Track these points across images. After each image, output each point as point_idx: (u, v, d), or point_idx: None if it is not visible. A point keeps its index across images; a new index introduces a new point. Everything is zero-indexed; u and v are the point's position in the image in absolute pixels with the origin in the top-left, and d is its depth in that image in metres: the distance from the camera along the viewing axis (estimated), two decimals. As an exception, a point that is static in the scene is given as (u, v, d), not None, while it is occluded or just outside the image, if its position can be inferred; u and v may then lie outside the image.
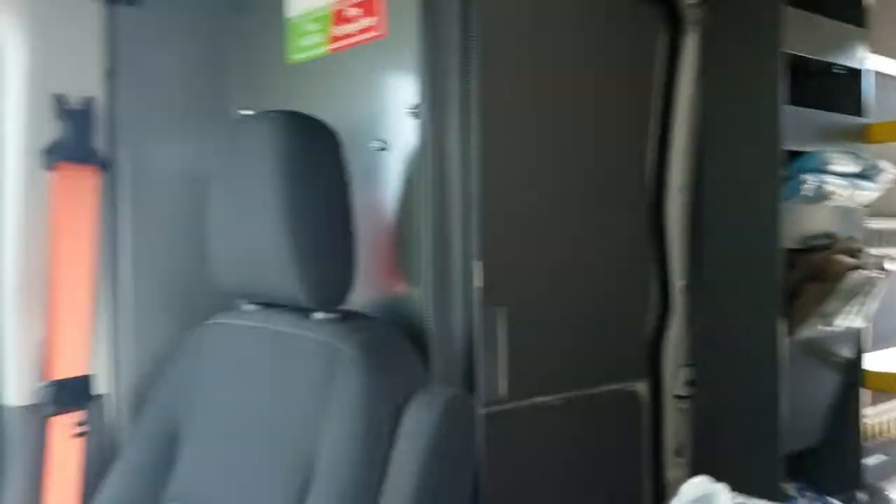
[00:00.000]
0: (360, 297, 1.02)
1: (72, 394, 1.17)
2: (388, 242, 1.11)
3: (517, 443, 1.09)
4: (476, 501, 0.96)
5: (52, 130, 1.17)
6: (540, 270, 1.09)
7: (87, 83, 1.21)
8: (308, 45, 1.18)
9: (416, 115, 1.00)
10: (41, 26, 1.14)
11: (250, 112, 1.19)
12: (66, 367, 1.17)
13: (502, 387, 1.05)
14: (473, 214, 0.98)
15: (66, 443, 1.15)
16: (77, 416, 1.17)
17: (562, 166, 1.11)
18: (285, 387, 0.98)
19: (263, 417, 0.99)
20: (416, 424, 0.87)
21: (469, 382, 1.00)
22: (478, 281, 0.99)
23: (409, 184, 1.04)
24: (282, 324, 1.02)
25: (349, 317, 0.99)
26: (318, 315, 0.97)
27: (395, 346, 0.97)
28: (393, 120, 1.06)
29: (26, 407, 1.16)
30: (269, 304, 1.07)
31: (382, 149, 1.07)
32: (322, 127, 0.98)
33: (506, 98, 1.02)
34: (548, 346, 1.13)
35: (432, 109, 0.98)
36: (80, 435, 1.16)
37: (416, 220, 1.01)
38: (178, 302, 1.27)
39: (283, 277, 0.94)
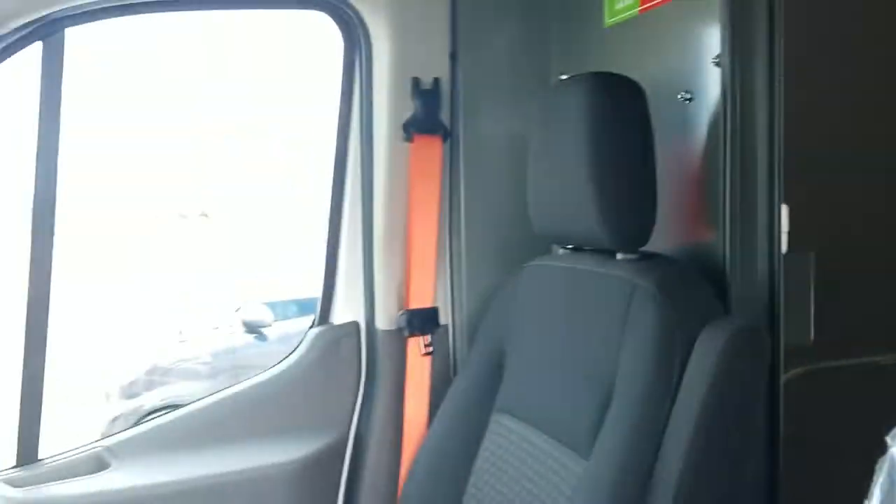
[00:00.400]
0: (662, 240, 1.10)
1: (422, 321, 1.44)
2: (691, 188, 1.16)
3: (828, 407, 1.04)
4: (775, 461, 0.98)
5: (409, 108, 1.43)
6: (856, 217, 1.03)
7: (435, 66, 1.45)
8: (622, 8, 1.28)
9: (719, 65, 1.03)
10: (402, 19, 1.41)
11: (568, 76, 1.32)
12: (419, 300, 1.44)
13: (809, 337, 1.03)
14: (779, 159, 0.98)
15: (418, 360, 1.43)
16: (426, 339, 1.44)
17: (882, 108, 1.04)
18: (590, 318, 1.10)
19: (572, 343, 1.13)
20: (705, 350, 0.93)
21: (771, 327, 1.01)
22: (784, 225, 0.99)
23: (714, 131, 1.07)
24: (588, 264, 1.14)
25: (649, 257, 1.08)
26: (621, 256, 1.08)
27: (691, 284, 1.03)
28: (698, 71, 1.10)
29: (390, 330, 1.46)
30: (578, 248, 1.20)
31: (688, 99, 1.12)
32: (626, 83, 1.08)
33: (813, 43, 0.99)
34: (867, 298, 1.06)
35: (736, 58, 1.01)
36: (428, 354, 1.43)
37: (718, 166, 1.05)
38: (504, 248, 1.46)
39: (591, 222, 1.06)
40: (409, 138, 1.43)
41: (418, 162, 1.44)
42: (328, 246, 1.55)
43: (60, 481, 1.33)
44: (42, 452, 1.38)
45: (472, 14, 1.45)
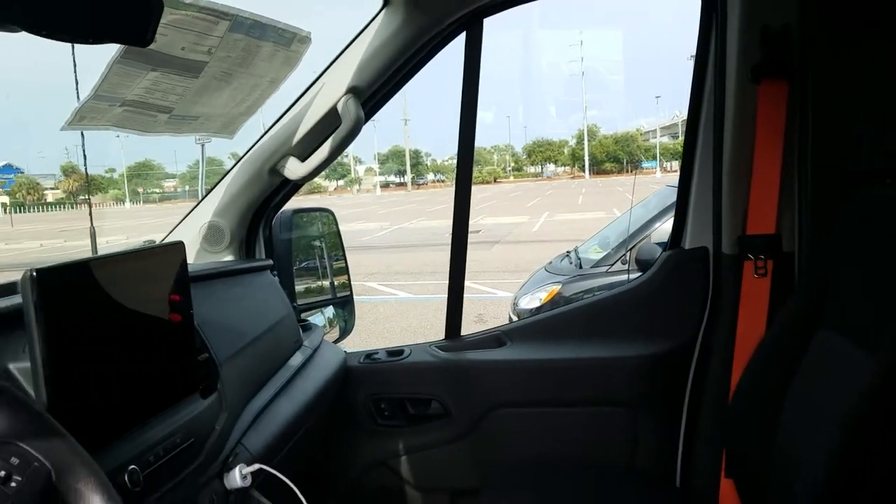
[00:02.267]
0: None
1: (764, 247, 1.57)
2: None
3: None
4: None
5: (758, 53, 1.54)
6: None
7: (784, 12, 1.53)
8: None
9: None
10: None
11: None
12: (761, 227, 1.57)
13: None
14: None
15: (755, 281, 1.57)
16: (767, 263, 1.57)
17: None
18: None
19: (891, 263, 1.19)
20: None
21: None
22: None
23: None
24: None
25: None
26: None
27: None
28: None
29: (734, 255, 1.63)
30: None
31: None
32: None
33: None
34: None
35: None
36: (765, 277, 1.57)
37: None
38: (846, 180, 1.48)
39: None
40: (757, 80, 1.55)
41: (766, 101, 1.55)
42: (681, 179, 1.76)
43: (472, 351, 1.85)
44: (462, 332, 1.93)
45: None
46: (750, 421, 1.48)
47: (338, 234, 2.18)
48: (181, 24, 1.23)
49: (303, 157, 1.69)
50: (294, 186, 1.81)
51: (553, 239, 13.77)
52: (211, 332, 1.23)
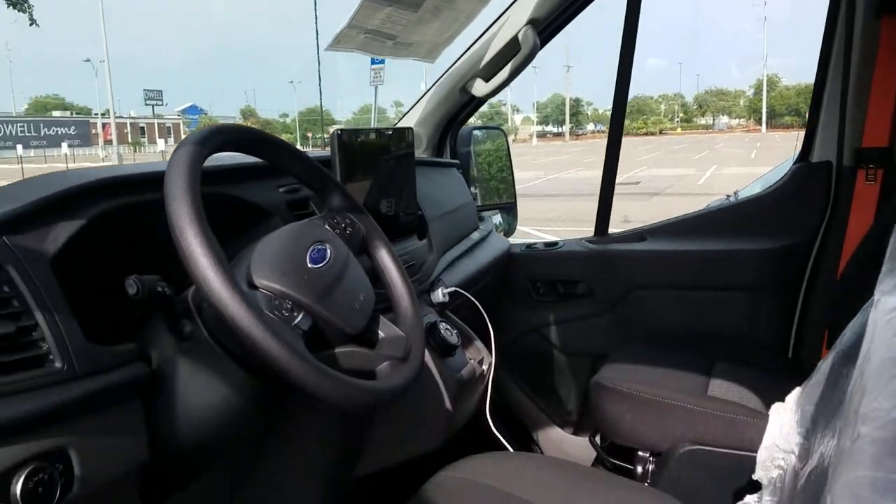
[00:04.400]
0: None
1: (874, 157, 1.82)
2: None
3: None
4: None
5: None
6: None
7: None
8: None
9: None
10: None
11: None
12: (875, 141, 1.82)
13: None
14: None
15: (866, 187, 1.83)
16: (875, 172, 1.82)
17: None
18: None
19: None
20: None
21: None
22: None
23: None
24: None
25: None
26: None
27: None
28: None
29: (852, 167, 1.88)
30: None
31: None
32: None
33: None
34: None
35: None
36: (874, 183, 1.82)
37: None
38: None
39: None
40: (878, 17, 1.78)
41: (887, 35, 1.78)
42: (812, 103, 2.01)
43: (618, 244, 2.23)
44: (610, 230, 2.31)
45: None
46: (849, 302, 1.76)
47: (507, 149, 2.61)
48: (411, -29, 1.69)
49: (487, 78, 2.12)
50: (477, 104, 2.25)
51: (718, 193, 13.41)
52: (421, 199, 1.71)
